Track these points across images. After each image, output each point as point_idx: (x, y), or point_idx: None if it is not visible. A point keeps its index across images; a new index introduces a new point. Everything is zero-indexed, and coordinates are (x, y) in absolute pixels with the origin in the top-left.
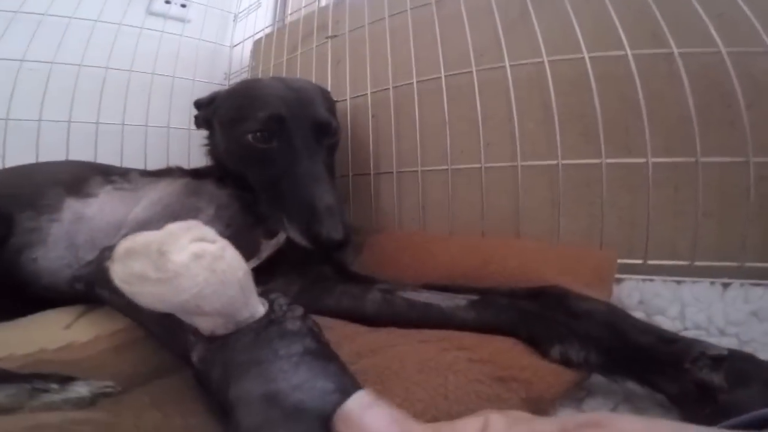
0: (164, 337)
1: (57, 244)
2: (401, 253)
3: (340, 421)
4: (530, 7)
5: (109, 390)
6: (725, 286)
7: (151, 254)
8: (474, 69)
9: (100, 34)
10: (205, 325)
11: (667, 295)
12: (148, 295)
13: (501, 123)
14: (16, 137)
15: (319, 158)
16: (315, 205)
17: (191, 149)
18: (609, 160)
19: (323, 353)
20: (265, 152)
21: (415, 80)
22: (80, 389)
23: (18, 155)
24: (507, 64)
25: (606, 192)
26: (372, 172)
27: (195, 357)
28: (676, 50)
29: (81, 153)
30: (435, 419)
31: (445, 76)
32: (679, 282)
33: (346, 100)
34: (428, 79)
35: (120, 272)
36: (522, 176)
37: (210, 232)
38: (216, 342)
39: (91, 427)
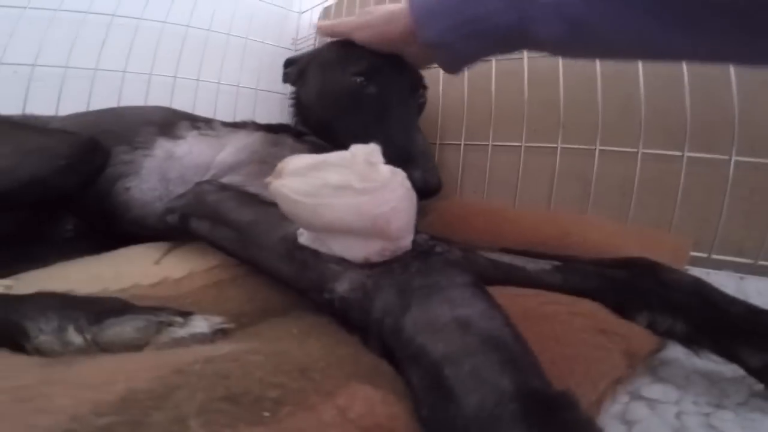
0: (287, 269)
1: (150, 176)
2: (474, 217)
3: None
4: None
5: (225, 326)
6: None
7: (357, 165)
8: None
9: None
10: (359, 251)
11: (731, 287)
12: (344, 206)
13: (579, 110)
14: (102, 86)
15: (413, 111)
16: (410, 150)
17: (256, 109)
18: (690, 154)
19: (484, 287)
20: (364, 95)
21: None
22: (201, 324)
23: (102, 103)
24: None
25: (682, 186)
26: (438, 142)
27: (343, 286)
28: None
29: (158, 104)
30: (551, 361)
31: (528, 58)
32: (742, 277)
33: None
34: (508, 59)
35: (301, 186)
36: (597, 164)
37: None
38: (376, 269)
39: (263, 356)
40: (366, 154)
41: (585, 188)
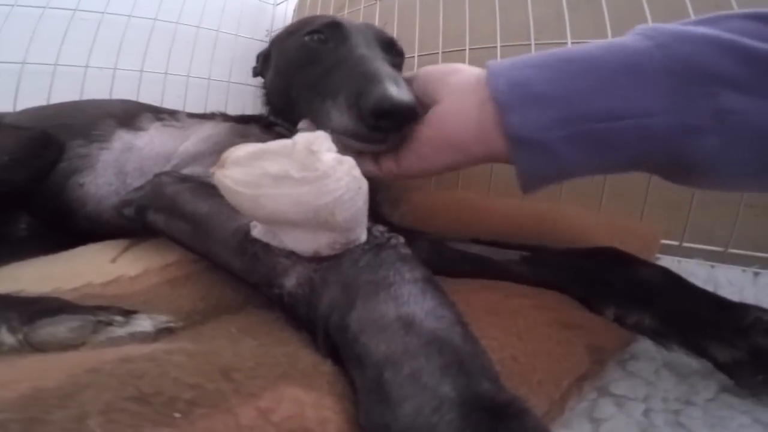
0: (239, 263)
1: (106, 170)
2: (446, 209)
3: None
4: None
5: (171, 325)
6: (756, 274)
7: (297, 153)
8: (533, 42)
9: None
10: (309, 244)
11: (701, 276)
12: (283, 197)
13: None
14: (64, 82)
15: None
16: (372, 73)
17: (229, 102)
18: None
19: (438, 283)
20: (319, 51)
21: (467, 47)
22: (144, 323)
23: (62, 99)
24: (569, 41)
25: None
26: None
27: (291, 281)
28: None
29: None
30: (513, 358)
31: (501, 46)
32: (713, 266)
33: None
34: (482, 48)
35: (241, 176)
36: None
37: (334, 147)
38: (325, 263)
39: (186, 356)
40: (308, 142)
41: None
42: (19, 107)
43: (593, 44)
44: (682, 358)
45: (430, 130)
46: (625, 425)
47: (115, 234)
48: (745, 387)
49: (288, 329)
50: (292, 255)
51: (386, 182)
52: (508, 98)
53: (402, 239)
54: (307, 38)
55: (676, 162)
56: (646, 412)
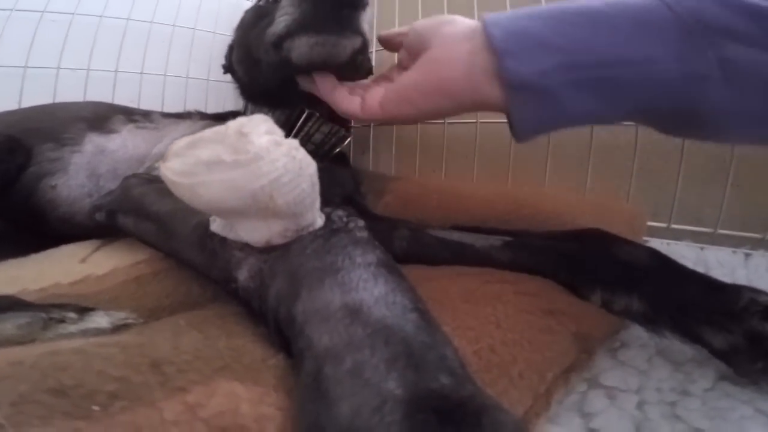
0: (200, 258)
1: (78, 173)
2: (427, 196)
3: None
4: None
5: (130, 321)
6: (747, 255)
7: (228, 137)
8: None
9: None
10: (262, 233)
11: (691, 258)
12: (218, 183)
13: None
14: (35, 85)
15: None
16: None
17: (208, 100)
18: None
19: (395, 267)
20: (271, 9)
21: None
22: (99, 320)
23: (34, 102)
24: None
25: (637, 155)
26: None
27: (244, 274)
28: None
29: (98, 100)
30: (491, 348)
31: None
32: (702, 248)
33: (372, 51)
34: None
35: (178, 166)
36: (552, 134)
37: (277, 129)
38: (275, 252)
39: (118, 349)
40: (239, 125)
41: (542, 160)
42: None
43: (591, 0)
44: (677, 345)
45: (419, 74)
46: (618, 419)
47: (89, 235)
48: (744, 375)
49: (244, 323)
50: (246, 247)
51: (364, 123)
52: (506, 45)
53: (362, 223)
54: (261, 1)
55: (680, 111)
56: (640, 405)
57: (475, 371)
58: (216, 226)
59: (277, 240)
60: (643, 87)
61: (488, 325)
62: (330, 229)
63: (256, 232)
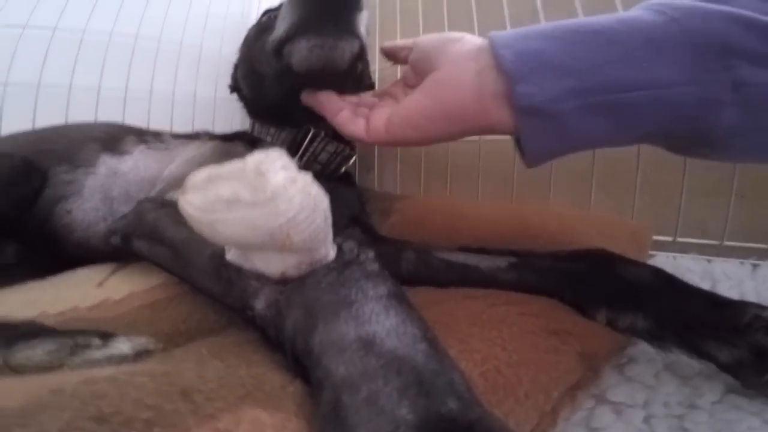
0: (216, 287)
1: (92, 195)
2: (432, 216)
3: None
4: None
5: (150, 347)
6: (754, 266)
7: (246, 175)
8: None
9: (130, 4)
10: (277, 265)
11: (698, 271)
12: (237, 221)
13: None
14: (46, 103)
15: None
16: None
17: (216, 117)
18: None
19: (405, 297)
20: (271, 23)
21: None
22: (121, 345)
23: (47, 120)
24: None
25: (641, 169)
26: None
27: (260, 303)
28: None
29: (109, 119)
30: (497, 370)
31: None
32: (709, 260)
33: (374, 71)
34: None
35: (198, 201)
36: None
37: (292, 163)
38: (290, 284)
39: (148, 378)
40: (257, 163)
41: (545, 177)
42: (3, 130)
43: (601, 18)
44: (684, 359)
45: (425, 98)
46: None
47: (104, 259)
48: (751, 388)
49: (261, 351)
50: (261, 277)
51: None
52: (518, 67)
53: (372, 254)
54: (264, 18)
55: (694, 134)
56: (647, 419)
57: (482, 393)
58: (231, 255)
59: (292, 272)
60: (657, 111)
61: (494, 347)
62: (342, 262)
63: (271, 265)
